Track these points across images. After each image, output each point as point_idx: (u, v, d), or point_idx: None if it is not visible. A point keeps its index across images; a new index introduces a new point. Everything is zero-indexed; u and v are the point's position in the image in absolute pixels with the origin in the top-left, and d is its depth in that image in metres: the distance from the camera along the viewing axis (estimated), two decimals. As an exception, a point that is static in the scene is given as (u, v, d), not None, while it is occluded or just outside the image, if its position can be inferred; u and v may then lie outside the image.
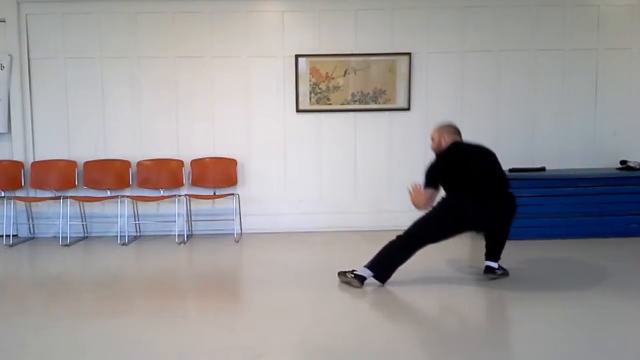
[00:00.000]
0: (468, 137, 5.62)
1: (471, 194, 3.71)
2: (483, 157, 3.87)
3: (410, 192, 3.77)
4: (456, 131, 3.97)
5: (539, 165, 5.48)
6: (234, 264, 4.77)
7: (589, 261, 4.41)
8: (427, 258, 4.59)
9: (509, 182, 3.89)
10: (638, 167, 5.34)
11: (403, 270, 4.00)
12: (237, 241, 5.34)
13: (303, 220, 5.67)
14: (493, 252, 3.91)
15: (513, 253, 4.58)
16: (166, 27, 5.55)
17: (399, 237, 3.80)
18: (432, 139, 3.97)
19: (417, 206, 3.76)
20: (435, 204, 3.79)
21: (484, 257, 3.94)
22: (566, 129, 5.72)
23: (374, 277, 3.77)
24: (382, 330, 3.13)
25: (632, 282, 3.86)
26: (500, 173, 3.88)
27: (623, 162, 5.48)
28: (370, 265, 3.77)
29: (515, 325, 3.08)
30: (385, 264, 3.76)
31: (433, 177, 3.79)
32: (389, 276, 3.77)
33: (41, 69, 5.59)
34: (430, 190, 3.76)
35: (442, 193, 3.85)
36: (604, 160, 5.68)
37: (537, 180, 5.21)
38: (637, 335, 2.95)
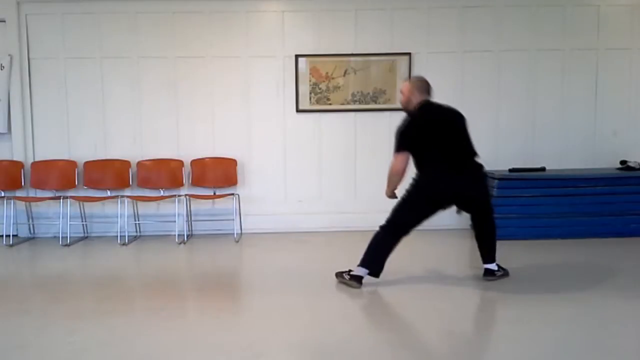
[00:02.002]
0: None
1: (440, 166, 3.67)
2: (453, 121, 3.80)
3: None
4: (427, 89, 3.86)
5: (539, 165, 5.48)
6: (234, 264, 4.77)
7: (589, 261, 4.41)
8: (427, 258, 4.60)
9: (475, 150, 3.80)
10: (638, 167, 5.35)
11: (402, 271, 4.02)
12: (237, 241, 5.34)
13: (303, 220, 5.67)
14: (487, 253, 3.89)
15: (513, 253, 4.59)
16: (166, 27, 5.55)
17: (382, 227, 3.78)
18: (402, 93, 3.88)
19: (397, 175, 3.69)
20: (408, 186, 3.75)
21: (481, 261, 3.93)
22: (566, 129, 5.72)
23: (368, 274, 3.76)
24: (380, 331, 3.13)
25: (632, 282, 3.86)
26: (468, 140, 3.79)
27: (623, 162, 5.48)
28: (363, 263, 3.76)
29: (515, 326, 3.08)
30: (376, 258, 3.75)
31: (405, 140, 3.71)
32: (381, 269, 3.76)
33: (41, 69, 5.59)
34: (404, 154, 3.69)
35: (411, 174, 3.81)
36: (604, 160, 5.68)
37: (537, 180, 5.21)
38: (637, 335, 2.95)
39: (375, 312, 3.52)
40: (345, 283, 3.79)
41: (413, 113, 3.80)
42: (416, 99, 3.80)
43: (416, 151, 3.72)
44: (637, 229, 5.17)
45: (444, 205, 3.83)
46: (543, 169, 5.43)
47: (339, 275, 3.87)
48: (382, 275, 3.78)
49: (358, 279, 3.75)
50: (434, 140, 3.70)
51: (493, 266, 3.88)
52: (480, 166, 3.80)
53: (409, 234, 3.78)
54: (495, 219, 3.92)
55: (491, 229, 3.90)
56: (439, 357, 2.73)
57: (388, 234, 3.76)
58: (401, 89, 3.93)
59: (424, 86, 3.87)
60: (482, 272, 3.90)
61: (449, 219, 5.78)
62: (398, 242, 3.77)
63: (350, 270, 3.81)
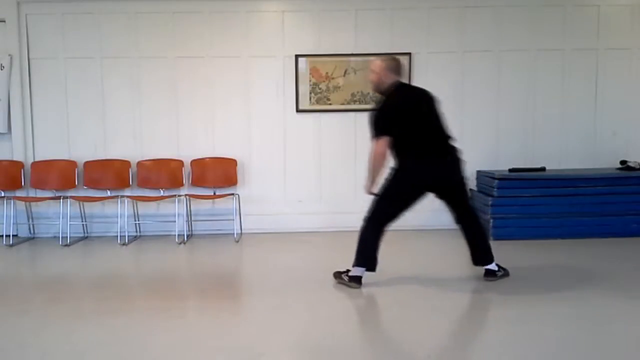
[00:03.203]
0: (468, 137, 5.69)
1: (421, 150, 3.60)
2: (428, 102, 3.70)
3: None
4: (399, 69, 3.74)
5: (539, 165, 5.49)
6: (234, 264, 4.77)
7: (588, 261, 4.41)
8: (427, 258, 4.60)
9: (450, 133, 3.73)
10: (638, 167, 5.35)
11: (402, 270, 4.02)
12: (237, 241, 5.34)
13: (303, 220, 5.67)
14: (484, 254, 3.84)
15: (513, 253, 4.59)
16: (166, 27, 5.55)
17: (365, 220, 3.73)
18: (373, 72, 3.74)
19: (380, 159, 3.61)
20: (387, 176, 3.69)
21: (477, 264, 3.88)
22: (566, 129, 5.73)
23: (366, 270, 3.74)
24: (380, 331, 3.13)
25: (632, 282, 3.86)
26: (443, 122, 3.71)
27: (623, 162, 5.49)
28: (358, 262, 3.73)
29: (515, 326, 3.08)
30: (368, 253, 3.71)
31: (384, 124, 3.61)
32: (376, 262, 3.73)
33: (41, 69, 5.59)
34: (383, 140, 3.59)
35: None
36: (604, 160, 5.68)
37: (537, 180, 5.21)
38: (637, 335, 2.95)
39: (375, 312, 3.51)
40: (345, 284, 3.78)
41: (388, 95, 3.69)
42: (388, 80, 3.69)
43: (395, 136, 3.60)
44: (637, 229, 5.17)
45: (426, 192, 3.72)
46: (543, 169, 5.43)
47: (338, 276, 3.86)
48: (381, 275, 3.78)
49: (357, 279, 3.74)
50: (413, 124, 3.61)
51: (493, 266, 3.86)
52: (457, 150, 3.72)
53: (392, 224, 3.73)
54: (478, 213, 3.86)
55: (480, 226, 3.85)
56: (439, 357, 2.73)
57: (373, 228, 3.70)
58: (372, 68, 3.76)
59: (397, 66, 3.74)
60: (482, 272, 3.89)
61: (449, 219, 5.79)
62: (385, 232, 3.72)
63: (348, 270, 3.80)
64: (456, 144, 3.75)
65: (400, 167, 3.69)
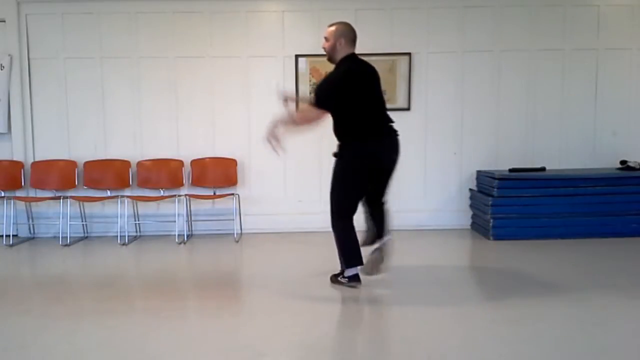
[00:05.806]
0: (469, 136, 5.68)
1: (372, 129, 3.51)
2: (378, 80, 3.59)
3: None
4: (354, 39, 3.58)
5: (539, 165, 5.49)
6: (234, 264, 4.77)
7: (589, 261, 4.41)
8: (426, 258, 4.60)
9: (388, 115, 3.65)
10: (638, 167, 5.35)
11: (401, 270, 4.01)
12: (237, 241, 5.34)
13: (303, 220, 5.67)
14: (387, 226, 3.73)
15: (513, 253, 4.59)
16: (166, 27, 5.55)
17: (333, 219, 3.67)
18: (326, 39, 3.58)
19: (307, 121, 3.47)
20: (338, 164, 3.61)
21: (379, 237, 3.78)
22: (566, 129, 5.72)
23: (359, 266, 3.72)
24: (381, 330, 3.13)
25: (632, 282, 3.86)
26: (384, 102, 3.64)
27: (623, 162, 5.49)
28: (347, 263, 3.70)
29: (514, 326, 3.08)
30: (351, 250, 3.67)
31: (333, 97, 3.43)
32: (361, 255, 3.68)
33: (41, 69, 5.59)
34: (324, 112, 3.42)
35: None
36: (604, 160, 5.68)
37: (537, 180, 5.21)
38: (637, 335, 2.96)
39: (375, 311, 3.51)
40: (345, 286, 3.76)
41: (339, 66, 3.57)
42: (343, 50, 3.54)
43: (344, 111, 3.45)
44: (637, 229, 5.17)
45: (374, 172, 3.60)
46: (543, 169, 5.43)
47: (335, 280, 3.83)
48: (381, 275, 3.78)
49: (356, 278, 3.72)
50: (362, 101, 3.50)
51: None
52: (397, 132, 3.64)
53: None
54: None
55: (386, 208, 3.77)
56: (439, 356, 2.73)
57: (344, 224, 3.65)
58: (325, 35, 3.59)
59: (353, 36, 3.57)
60: (482, 270, 3.89)
61: (449, 219, 5.80)
62: (353, 223, 3.66)
63: (342, 272, 3.78)
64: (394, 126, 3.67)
65: (349, 151, 3.58)
